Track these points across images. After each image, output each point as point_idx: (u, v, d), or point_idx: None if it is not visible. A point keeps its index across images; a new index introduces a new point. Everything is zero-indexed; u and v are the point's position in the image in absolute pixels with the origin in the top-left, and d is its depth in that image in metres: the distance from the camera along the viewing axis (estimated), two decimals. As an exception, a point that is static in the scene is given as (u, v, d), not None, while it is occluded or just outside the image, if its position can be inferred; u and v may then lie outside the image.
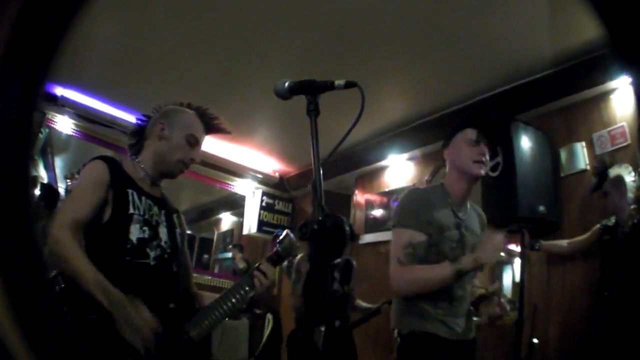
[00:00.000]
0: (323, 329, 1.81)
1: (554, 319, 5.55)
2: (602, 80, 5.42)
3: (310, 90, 2.01)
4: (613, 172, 5.09)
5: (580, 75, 5.58)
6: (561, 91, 5.85)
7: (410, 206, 3.31)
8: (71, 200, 2.89)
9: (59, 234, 2.46)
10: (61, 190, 6.95)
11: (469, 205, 3.53)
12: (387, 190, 8.41)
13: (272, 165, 9.85)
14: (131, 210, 2.71)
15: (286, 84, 2.09)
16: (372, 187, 8.82)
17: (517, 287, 5.70)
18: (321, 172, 1.85)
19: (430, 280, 3.11)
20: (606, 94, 5.62)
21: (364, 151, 8.41)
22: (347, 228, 1.72)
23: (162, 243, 2.82)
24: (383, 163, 8.45)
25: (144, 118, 3.14)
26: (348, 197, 9.23)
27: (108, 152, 8.31)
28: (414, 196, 3.40)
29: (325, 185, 1.82)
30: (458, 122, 3.62)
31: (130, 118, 7.89)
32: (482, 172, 3.36)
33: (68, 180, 5.57)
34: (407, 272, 3.12)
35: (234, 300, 2.79)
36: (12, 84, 1.22)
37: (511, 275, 7.31)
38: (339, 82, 1.97)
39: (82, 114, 7.75)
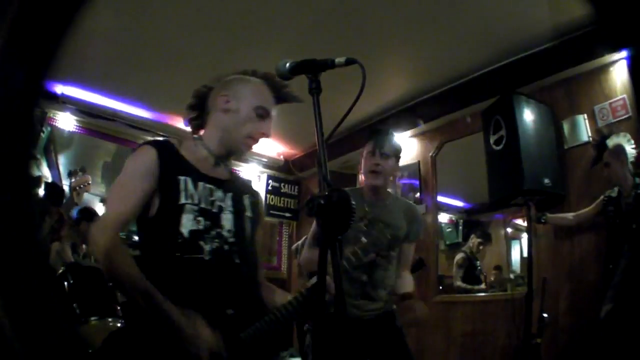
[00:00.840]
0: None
1: (564, 292, 5.56)
2: (602, 53, 5.41)
3: (311, 69, 2.00)
4: (612, 141, 5.09)
5: (580, 47, 5.56)
6: (562, 64, 5.84)
7: None
8: (113, 196, 2.53)
9: (98, 237, 2.24)
10: (66, 187, 6.95)
11: (388, 202, 3.98)
12: (391, 168, 8.30)
13: (276, 148, 9.81)
14: (182, 200, 2.40)
15: (287, 64, 2.09)
16: (377, 166, 8.69)
17: (526, 261, 5.71)
18: (325, 148, 1.86)
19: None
20: (607, 66, 5.61)
21: (368, 129, 8.32)
22: (353, 202, 1.72)
23: (225, 232, 2.49)
24: (386, 141, 8.34)
25: (202, 89, 2.79)
26: (354, 177, 9.08)
27: (110, 147, 8.36)
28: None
29: (330, 166, 1.82)
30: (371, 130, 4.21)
31: (133, 110, 7.91)
32: (378, 182, 3.86)
33: (72, 178, 5.53)
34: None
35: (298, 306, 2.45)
36: (13, 78, 1.23)
37: (519, 250, 7.34)
38: (339, 59, 1.96)
39: (83, 109, 7.71)
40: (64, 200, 6.25)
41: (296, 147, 9.76)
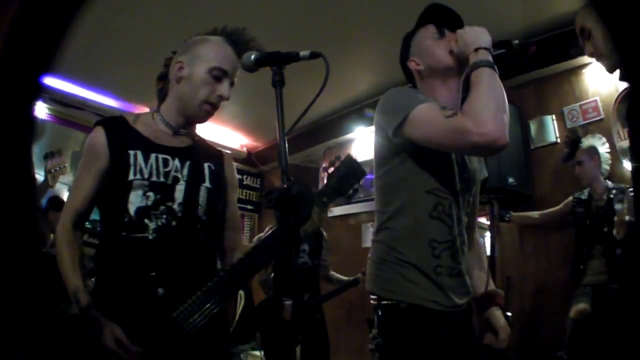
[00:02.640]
0: (289, 302, 1.83)
1: (529, 291, 5.61)
2: (574, 55, 5.45)
3: (276, 62, 1.99)
4: (586, 142, 5.12)
5: (552, 48, 5.61)
6: (532, 64, 5.89)
7: (405, 93, 2.69)
8: (72, 186, 2.55)
9: (58, 230, 2.35)
10: (38, 176, 6.91)
11: None
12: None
13: (239, 140, 9.80)
14: (131, 176, 2.33)
15: (252, 56, 2.08)
16: (340, 160, 8.70)
17: (488, 259, 5.74)
18: (286, 141, 1.86)
19: (494, 89, 2.34)
20: (578, 68, 5.68)
21: (331, 124, 8.45)
22: (312, 196, 1.72)
23: (175, 205, 2.39)
24: (350, 136, 8.43)
25: (170, 56, 2.67)
26: (316, 170, 9.19)
27: (79, 136, 8.30)
28: (403, 89, 2.78)
29: (292, 159, 1.82)
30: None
31: (102, 99, 7.87)
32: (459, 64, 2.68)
33: (48, 160, 5.42)
34: (469, 111, 2.26)
35: (236, 279, 2.23)
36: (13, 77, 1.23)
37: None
38: (303, 53, 1.96)
39: (55, 97, 7.68)
40: (37, 185, 6.17)
41: (259, 139, 9.80)
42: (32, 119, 1.37)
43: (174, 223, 2.36)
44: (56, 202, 6.23)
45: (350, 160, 2.17)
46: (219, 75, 2.49)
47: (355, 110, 7.98)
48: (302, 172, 9.25)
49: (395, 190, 2.63)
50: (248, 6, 5.54)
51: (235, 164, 2.86)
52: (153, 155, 2.42)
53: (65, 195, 7.20)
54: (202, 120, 2.63)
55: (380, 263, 2.59)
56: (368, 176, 6.56)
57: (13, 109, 1.25)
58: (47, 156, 5.28)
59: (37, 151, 7.67)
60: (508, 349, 4.10)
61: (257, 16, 5.69)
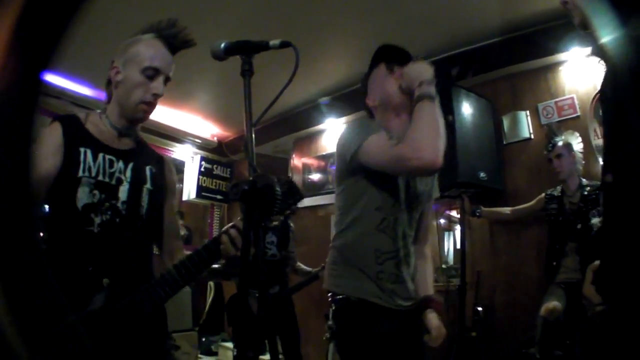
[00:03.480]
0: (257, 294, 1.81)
1: (500, 286, 5.62)
2: (550, 52, 5.47)
3: (245, 50, 1.99)
4: (564, 138, 5.11)
5: (528, 45, 5.61)
6: (507, 59, 5.89)
7: (363, 125, 2.99)
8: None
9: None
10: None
11: None
12: (324, 153, 8.43)
13: (210, 129, 9.68)
14: (80, 173, 2.39)
15: (222, 45, 2.06)
16: (309, 151, 8.81)
17: (459, 253, 5.75)
18: (253, 132, 1.84)
19: (432, 120, 2.62)
20: (554, 66, 5.69)
21: (301, 115, 8.42)
22: (279, 189, 1.71)
23: (119, 204, 2.48)
24: (321, 127, 8.44)
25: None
26: (285, 161, 9.21)
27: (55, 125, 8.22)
28: (363, 121, 3.16)
29: (262, 149, 1.82)
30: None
31: (78, 88, 7.80)
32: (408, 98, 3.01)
33: None
34: (409, 140, 2.58)
35: (184, 274, 2.34)
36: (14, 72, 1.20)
37: (452, 241, 7.39)
38: (273, 42, 1.95)
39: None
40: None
41: (230, 129, 9.71)
42: (33, 119, 1.35)
43: (117, 220, 2.47)
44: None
45: (289, 183, 2.20)
46: (151, 74, 2.53)
47: (320, 104, 7.96)
48: (271, 163, 9.27)
49: (350, 205, 2.97)
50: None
51: (206, 154, 2.93)
52: (101, 155, 2.50)
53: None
54: (142, 119, 2.64)
55: (334, 265, 2.98)
56: (332, 167, 6.47)
57: (13, 107, 1.22)
58: None
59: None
60: (482, 345, 4.09)
61: (228, 5, 5.66)
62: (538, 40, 5.44)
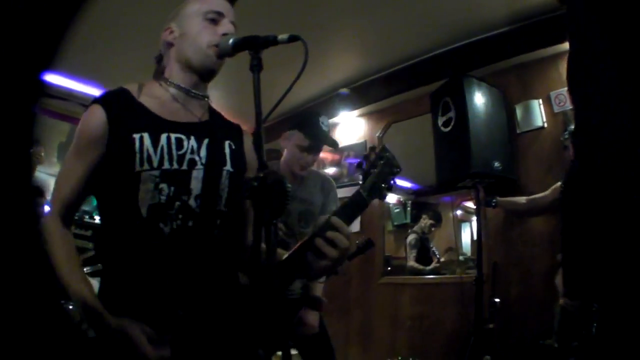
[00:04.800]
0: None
1: (515, 277, 5.58)
2: (560, 39, 5.41)
3: (253, 46, 1.93)
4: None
5: (537, 33, 5.58)
6: (517, 49, 5.84)
7: None
8: (59, 175, 2.18)
9: (47, 223, 2.05)
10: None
11: (307, 179, 4.01)
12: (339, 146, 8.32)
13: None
14: (137, 167, 1.99)
15: (230, 41, 2.05)
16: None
17: (476, 244, 5.72)
18: (263, 127, 1.82)
19: None
20: (564, 54, 5.54)
21: (314, 108, 8.26)
22: (289, 185, 1.68)
23: (192, 200, 2.07)
24: (334, 120, 8.32)
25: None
26: (301, 155, 9.12)
27: (65, 127, 8.24)
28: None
29: (277, 144, 1.80)
30: (295, 119, 4.07)
31: (86, 89, 7.80)
32: (304, 174, 3.87)
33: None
34: None
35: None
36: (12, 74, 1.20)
37: (469, 233, 7.38)
38: (282, 36, 1.91)
39: (39, 89, 7.62)
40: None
41: (245, 124, 9.51)
42: (32, 119, 1.34)
43: (190, 224, 2.05)
44: (37, 192, 6.20)
45: (388, 156, 2.13)
46: (214, 17, 2.23)
47: (338, 95, 7.91)
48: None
49: None
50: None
51: None
52: (164, 137, 2.09)
53: (52, 187, 7.19)
54: (214, 70, 2.27)
55: None
56: (351, 160, 6.50)
57: (13, 107, 1.21)
58: None
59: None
60: (496, 337, 4.09)
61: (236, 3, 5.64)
62: (546, 28, 5.41)
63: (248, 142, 2.42)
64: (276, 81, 2.28)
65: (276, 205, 1.65)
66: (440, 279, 7.12)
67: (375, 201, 2.14)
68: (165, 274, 1.98)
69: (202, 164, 2.13)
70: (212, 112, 2.40)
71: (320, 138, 3.81)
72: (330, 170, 8.39)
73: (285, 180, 1.66)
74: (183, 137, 2.13)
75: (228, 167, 2.22)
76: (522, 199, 5.44)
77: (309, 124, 3.84)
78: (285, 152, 3.91)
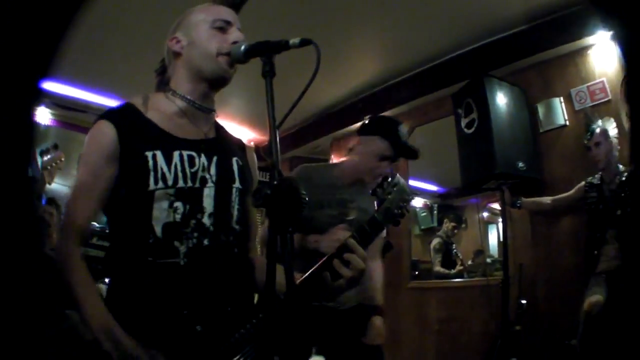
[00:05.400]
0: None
1: (541, 278, 5.54)
2: (578, 36, 5.39)
3: (265, 51, 1.89)
4: (600, 125, 5.03)
5: (554, 30, 5.54)
6: (535, 47, 5.81)
7: (302, 170, 3.62)
8: (73, 194, 2.09)
9: (61, 247, 2.00)
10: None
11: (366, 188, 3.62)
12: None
13: (246, 134, 9.66)
14: (152, 186, 1.94)
15: (241, 47, 2.01)
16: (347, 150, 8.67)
17: (501, 246, 5.70)
18: (276, 134, 1.79)
19: None
20: (583, 50, 5.58)
21: (337, 114, 8.39)
22: (304, 192, 1.64)
23: (205, 218, 2.02)
24: (357, 125, 8.26)
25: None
26: (323, 162, 9.02)
27: (84, 138, 8.31)
28: (301, 170, 3.69)
29: (300, 151, 1.76)
30: (375, 125, 3.71)
31: (104, 100, 7.84)
32: (373, 183, 3.30)
33: (44, 156, 5.13)
34: None
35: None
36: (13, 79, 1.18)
37: (496, 234, 7.33)
38: (293, 40, 1.87)
39: (57, 102, 7.69)
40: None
41: (266, 132, 9.58)
42: (32, 123, 1.31)
43: (205, 242, 2.00)
44: (53, 204, 6.23)
45: (401, 184, 2.12)
46: (222, 25, 2.17)
47: (361, 99, 7.90)
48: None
49: None
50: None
51: None
52: (176, 154, 2.03)
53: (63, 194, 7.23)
54: (224, 79, 2.18)
55: None
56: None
57: (12, 111, 1.19)
58: (43, 152, 5.00)
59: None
60: (523, 338, 4.05)
61: (252, 7, 5.64)
62: (564, 24, 5.40)
63: (251, 157, 2.46)
64: (298, 84, 2.24)
65: (291, 213, 1.60)
66: (467, 282, 7.10)
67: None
68: (183, 292, 1.93)
69: (212, 181, 2.09)
70: (218, 128, 2.34)
71: (404, 148, 3.55)
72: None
73: (301, 188, 1.62)
74: (194, 154, 2.08)
75: (237, 184, 2.20)
76: (547, 199, 5.42)
77: (393, 133, 3.53)
78: (356, 157, 3.61)
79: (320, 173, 3.60)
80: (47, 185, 5.01)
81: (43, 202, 6.08)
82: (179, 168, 2.00)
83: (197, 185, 2.04)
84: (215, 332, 1.92)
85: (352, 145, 3.67)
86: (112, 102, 7.95)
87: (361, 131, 3.66)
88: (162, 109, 2.16)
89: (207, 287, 1.97)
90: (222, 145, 2.25)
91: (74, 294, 1.87)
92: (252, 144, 9.61)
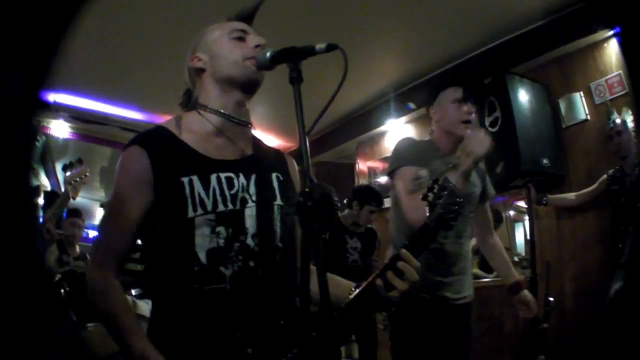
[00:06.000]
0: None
1: (568, 274, 5.52)
2: (595, 29, 5.37)
3: (291, 57, 1.86)
4: (620, 116, 5.02)
5: (572, 24, 5.55)
6: (554, 42, 5.80)
7: (407, 149, 3.46)
8: (105, 221, 2.16)
9: (90, 274, 1.98)
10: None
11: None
12: (388, 155, 8.26)
13: (273, 142, 9.69)
14: (191, 213, 1.90)
15: (267, 54, 1.98)
16: (373, 154, 8.81)
17: (529, 244, 5.68)
18: (307, 140, 1.77)
19: None
20: (600, 43, 5.56)
21: (362, 118, 8.43)
22: (336, 197, 1.63)
23: (249, 240, 1.98)
24: (382, 128, 8.42)
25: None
26: (350, 166, 9.22)
27: (106, 151, 8.32)
28: (409, 142, 3.60)
29: (325, 156, 1.75)
30: (441, 80, 3.74)
31: (124, 112, 7.88)
32: (469, 132, 3.37)
33: (68, 171, 5.12)
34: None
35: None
36: (11, 87, 1.18)
37: (523, 232, 7.28)
38: (320, 46, 1.84)
39: (76, 115, 7.77)
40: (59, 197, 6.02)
41: (292, 139, 9.59)
42: (29, 132, 1.31)
43: (251, 264, 1.96)
44: (76, 214, 6.28)
45: (451, 187, 2.06)
46: (240, 35, 2.14)
47: (385, 102, 7.94)
48: (336, 169, 9.31)
49: (397, 204, 3.44)
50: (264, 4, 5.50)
51: None
52: (214, 177, 1.99)
53: (96, 212, 7.24)
54: (256, 81, 2.12)
55: None
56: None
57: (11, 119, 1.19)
58: (66, 167, 4.97)
59: (60, 168, 7.74)
60: (549, 334, 4.10)
61: (272, 13, 5.65)
62: (581, 18, 5.39)
63: (293, 168, 2.35)
64: (324, 89, 2.23)
65: (324, 219, 1.58)
66: (495, 281, 7.06)
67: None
68: (232, 316, 1.89)
69: (253, 201, 2.03)
70: (255, 143, 2.27)
71: (467, 83, 3.56)
72: (383, 179, 8.40)
73: (333, 193, 1.61)
74: (232, 175, 2.03)
75: (278, 201, 2.11)
76: (572, 195, 5.41)
77: (446, 81, 3.63)
78: (439, 121, 3.54)
79: (425, 146, 3.52)
80: (72, 200, 4.99)
81: (64, 215, 6.12)
82: (217, 192, 1.96)
83: (238, 207, 1.99)
84: (266, 353, 1.88)
85: (433, 119, 3.62)
86: (131, 114, 8.01)
87: (430, 102, 3.63)
88: (197, 129, 2.09)
89: (255, 309, 1.93)
90: (261, 162, 2.17)
91: (115, 323, 1.87)
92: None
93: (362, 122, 8.50)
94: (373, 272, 1.97)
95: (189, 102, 2.22)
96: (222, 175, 2.00)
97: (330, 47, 1.83)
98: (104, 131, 8.02)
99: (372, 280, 1.92)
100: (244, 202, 2.00)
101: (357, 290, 1.93)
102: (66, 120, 7.74)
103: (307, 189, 1.58)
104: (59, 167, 7.85)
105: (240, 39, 2.13)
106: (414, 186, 3.14)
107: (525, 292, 3.65)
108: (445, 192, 2.04)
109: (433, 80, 6.97)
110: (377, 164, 8.55)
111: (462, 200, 2.07)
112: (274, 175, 2.17)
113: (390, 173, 3.43)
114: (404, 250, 1.91)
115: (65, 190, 4.90)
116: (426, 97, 3.71)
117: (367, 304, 1.93)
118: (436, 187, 2.06)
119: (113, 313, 1.89)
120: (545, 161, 5.27)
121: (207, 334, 1.87)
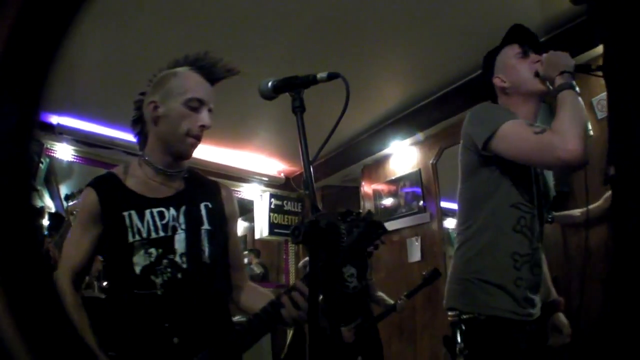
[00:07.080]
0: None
1: (575, 289, 5.50)
2: (595, 44, 5.37)
3: (293, 86, 1.97)
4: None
5: (572, 40, 5.56)
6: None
7: (499, 109, 3.01)
8: (68, 243, 2.64)
9: (60, 283, 2.41)
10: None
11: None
12: (393, 178, 8.40)
13: (276, 166, 9.84)
14: (130, 239, 2.38)
15: (269, 84, 2.06)
16: (378, 177, 8.80)
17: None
18: (311, 169, 1.80)
19: (579, 110, 2.57)
20: (601, 57, 5.52)
21: (366, 141, 8.46)
22: (343, 226, 1.65)
23: (177, 257, 2.40)
24: (387, 151, 8.44)
25: (139, 97, 2.69)
26: (356, 189, 9.25)
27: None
28: (495, 106, 3.16)
29: (331, 180, 1.77)
30: (494, 51, 3.31)
31: (128, 137, 7.90)
32: (545, 87, 2.92)
33: (69, 201, 5.42)
34: (557, 129, 2.53)
35: (241, 344, 2.23)
36: (6, 113, 1.19)
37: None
38: (321, 75, 1.94)
39: (80, 139, 7.79)
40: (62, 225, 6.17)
41: (296, 163, 9.75)
42: (29, 154, 1.33)
43: (179, 275, 2.41)
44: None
45: (370, 218, 2.10)
46: (195, 105, 2.50)
47: (389, 125, 8.00)
48: (341, 192, 9.37)
49: (480, 203, 2.85)
50: (264, 33, 5.55)
51: (275, 190, 2.86)
52: (148, 212, 2.46)
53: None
54: (188, 154, 2.58)
55: (459, 279, 2.92)
56: (407, 189, 6.36)
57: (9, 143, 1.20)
58: (68, 197, 5.29)
59: (66, 191, 7.73)
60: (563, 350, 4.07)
61: (274, 41, 5.68)
62: (581, 33, 5.43)
63: (227, 196, 2.82)
64: (326, 115, 2.25)
65: (331, 248, 1.63)
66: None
67: (435, 227, 2.13)
68: (161, 314, 2.32)
69: (182, 228, 2.49)
70: (188, 179, 2.69)
71: (526, 34, 3.18)
72: (388, 202, 8.41)
73: (340, 224, 1.64)
74: (164, 209, 2.50)
75: (205, 225, 2.56)
76: (577, 212, 5.42)
77: (505, 39, 3.26)
78: (509, 88, 3.05)
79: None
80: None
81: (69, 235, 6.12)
82: (150, 223, 2.44)
83: (169, 233, 2.45)
84: (190, 344, 2.29)
85: (499, 89, 3.13)
86: (135, 138, 8.04)
87: (489, 74, 3.24)
88: (138, 175, 2.57)
89: (182, 310, 2.35)
90: (191, 195, 2.61)
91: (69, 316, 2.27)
92: (282, 175, 9.74)
93: (366, 145, 8.55)
94: (370, 292, 2.06)
95: (141, 134, 2.69)
96: (155, 210, 2.47)
97: (332, 76, 1.92)
98: (107, 155, 8.05)
99: (276, 301, 2.21)
100: (174, 229, 2.47)
101: (264, 307, 2.26)
102: (70, 144, 7.76)
103: (313, 219, 1.61)
104: (63, 189, 7.90)
105: (194, 109, 2.50)
106: (537, 129, 2.61)
107: (561, 315, 3.38)
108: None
109: (436, 102, 7.07)
110: (382, 187, 8.57)
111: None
112: (202, 205, 2.61)
113: (488, 143, 2.73)
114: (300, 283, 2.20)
115: (68, 220, 5.11)
116: (483, 67, 3.33)
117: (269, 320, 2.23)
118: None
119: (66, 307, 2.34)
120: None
121: (141, 326, 2.32)
